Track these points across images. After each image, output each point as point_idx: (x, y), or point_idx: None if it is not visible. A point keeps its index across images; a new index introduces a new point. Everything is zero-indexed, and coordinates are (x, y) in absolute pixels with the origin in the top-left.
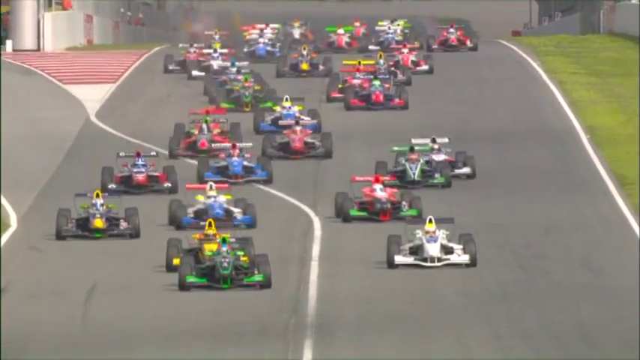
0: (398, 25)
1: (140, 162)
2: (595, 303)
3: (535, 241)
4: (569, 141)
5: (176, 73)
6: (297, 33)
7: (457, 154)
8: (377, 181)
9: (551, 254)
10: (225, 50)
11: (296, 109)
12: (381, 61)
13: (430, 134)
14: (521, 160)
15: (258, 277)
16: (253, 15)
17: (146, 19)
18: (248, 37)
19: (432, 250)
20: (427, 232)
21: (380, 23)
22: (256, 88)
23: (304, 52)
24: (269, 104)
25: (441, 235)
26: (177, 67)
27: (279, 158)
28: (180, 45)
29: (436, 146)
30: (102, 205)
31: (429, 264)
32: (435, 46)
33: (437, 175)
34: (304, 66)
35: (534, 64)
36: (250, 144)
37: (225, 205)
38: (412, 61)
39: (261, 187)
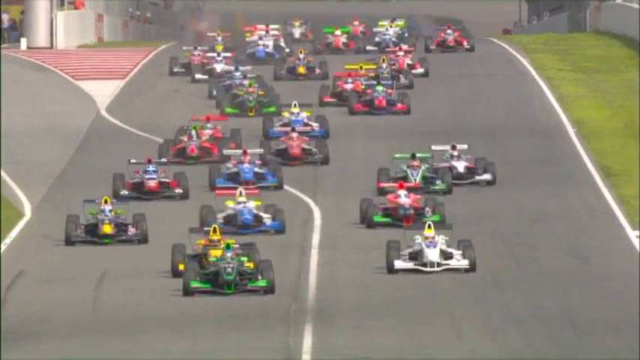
0: (398, 25)
1: (151, 168)
2: (582, 289)
3: (525, 230)
4: (557, 134)
5: (180, 75)
6: (297, 32)
7: (477, 161)
8: (401, 187)
9: (540, 242)
10: (228, 54)
11: (304, 114)
12: (384, 65)
13: (424, 129)
14: (511, 153)
15: (262, 283)
16: (256, 14)
17: (154, 17)
18: (248, 39)
19: (432, 255)
20: (426, 238)
21: (380, 23)
22: (260, 93)
23: (301, 56)
24: (273, 109)
25: (440, 240)
26: (181, 70)
27: (276, 164)
28: (185, 48)
29: (456, 153)
30: (110, 210)
31: (428, 269)
32: (432, 47)
33: (438, 182)
34: (301, 69)
35: (524, 61)
36: (261, 150)
37: (255, 211)
38: (408, 64)
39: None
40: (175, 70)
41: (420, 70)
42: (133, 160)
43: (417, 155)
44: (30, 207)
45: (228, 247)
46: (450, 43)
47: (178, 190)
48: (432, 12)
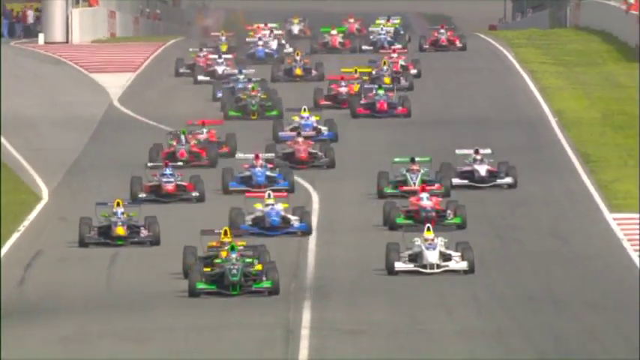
0: (394, 24)
1: (168, 172)
2: (562, 268)
3: (509, 213)
4: (540, 124)
5: (185, 76)
6: (296, 29)
7: (500, 165)
8: (423, 190)
9: (523, 225)
10: (229, 56)
11: (313, 119)
12: (385, 67)
13: (415, 120)
14: (496, 141)
15: (266, 284)
16: (257, 12)
17: (163, 14)
18: (248, 39)
19: (432, 257)
20: (426, 240)
21: (377, 22)
22: (262, 96)
23: (297, 58)
24: (275, 112)
25: (440, 242)
26: (187, 70)
27: (286, 167)
28: (191, 49)
29: (479, 157)
30: (122, 213)
31: (428, 270)
32: (426, 46)
33: (437, 185)
34: (298, 71)
35: (509, 55)
36: (272, 154)
37: (283, 213)
38: (401, 65)
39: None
40: (181, 70)
41: (414, 72)
42: (150, 164)
43: (417, 159)
44: (47, 191)
45: (232, 248)
46: (443, 43)
47: (195, 193)
48: (423, 9)
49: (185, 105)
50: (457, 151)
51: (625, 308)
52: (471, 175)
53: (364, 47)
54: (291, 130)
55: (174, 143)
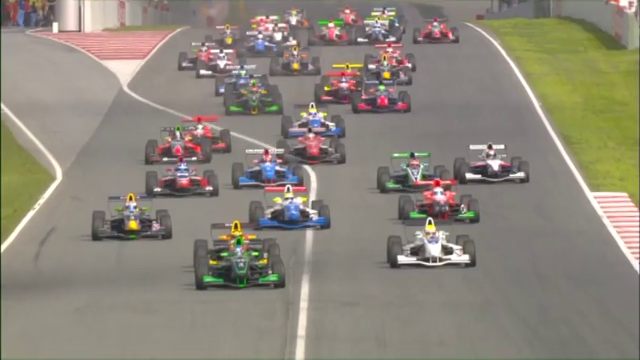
0: (389, 17)
1: (183, 167)
2: (546, 243)
3: (496, 192)
4: (524, 107)
5: (188, 70)
6: (293, 20)
7: (513, 159)
8: (437, 184)
9: (509, 202)
10: (230, 50)
11: (321, 115)
12: (385, 63)
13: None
14: (484, 123)
15: (272, 277)
16: (258, 3)
17: (170, 4)
18: (248, 32)
19: (434, 250)
20: (427, 234)
21: (373, 14)
22: (263, 92)
23: (295, 53)
24: (275, 108)
25: (441, 236)
26: (189, 64)
27: (298, 163)
28: (193, 44)
29: (492, 152)
30: (135, 207)
31: (430, 264)
32: (420, 39)
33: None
34: (295, 66)
35: (495, 43)
36: (282, 150)
37: (301, 207)
38: (396, 60)
39: (264, 144)
40: (184, 64)
41: (408, 65)
42: (165, 159)
43: (416, 154)
44: (61, 171)
45: (238, 242)
46: (437, 36)
47: (208, 188)
48: (416, 0)
49: (191, 91)
50: (471, 147)
51: (604, 281)
52: (484, 169)
53: (360, 40)
54: (300, 126)
55: (170, 139)
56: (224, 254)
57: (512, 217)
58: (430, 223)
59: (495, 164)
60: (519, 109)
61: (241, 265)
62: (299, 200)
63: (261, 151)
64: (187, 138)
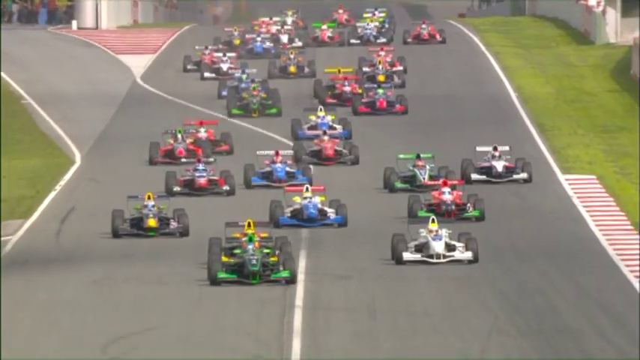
0: (379, 19)
1: (201, 167)
2: (521, 222)
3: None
4: (502, 98)
5: (192, 72)
6: (289, 20)
7: (517, 160)
8: (445, 184)
9: (488, 184)
10: (233, 54)
11: (329, 118)
12: (380, 67)
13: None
14: (465, 113)
15: (284, 274)
16: (260, 2)
17: (179, 3)
18: (247, 35)
19: (438, 247)
20: (431, 231)
21: (365, 15)
22: (263, 95)
23: (292, 57)
24: (274, 110)
25: (444, 233)
26: (194, 67)
27: (313, 164)
28: (197, 47)
29: (497, 153)
30: (153, 206)
31: (435, 260)
32: (409, 40)
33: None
34: (292, 69)
35: (475, 39)
36: (291, 151)
37: (320, 206)
38: (388, 63)
39: (262, 131)
40: (188, 67)
41: (400, 68)
42: (184, 160)
43: (422, 156)
44: (79, 156)
45: (250, 239)
46: (425, 37)
47: (226, 187)
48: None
49: (197, 84)
50: (477, 149)
51: (574, 255)
52: (489, 170)
53: (352, 41)
54: (309, 128)
55: (172, 141)
56: (237, 251)
57: (490, 197)
58: (433, 221)
59: (500, 165)
60: (497, 100)
61: (254, 261)
62: (317, 199)
63: (272, 152)
64: (189, 140)
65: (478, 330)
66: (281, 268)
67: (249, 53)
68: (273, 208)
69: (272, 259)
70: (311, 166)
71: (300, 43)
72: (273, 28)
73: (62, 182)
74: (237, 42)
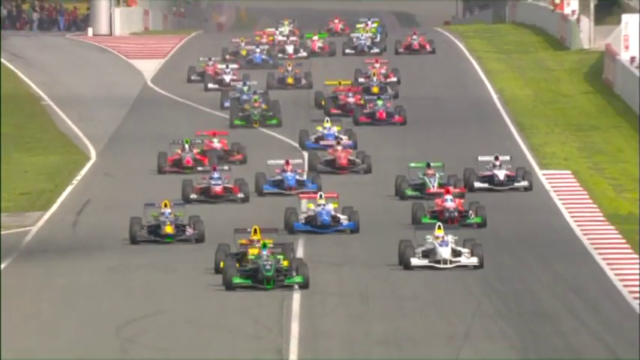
0: (372, 29)
1: (216, 175)
2: (502, 212)
3: (459, 168)
4: (485, 99)
5: (196, 83)
6: (286, 30)
7: (517, 170)
8: (447, 192)
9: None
10: (235, 66)
11: (335, 129)
12: (374, 79)
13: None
14: (450, 113)
15: (297, 279)
16: (259, 10)
17: (186, 12)
18: (246, 46)
19: (445, 253)
20: (437, 238)
21: (358, 26)
22: (264, 107)
23: (289, 69)
24: (274, 121)
25: (451, 239)
26: (197, 78)
27: (327, 173)
28: (201, 59)
29: (498, 162)
30: (170, 213)
31: (442, 265)
32: (401, 50)
33: (452, 188)
34: (289, 80)
35: (460, 45)
36: (301, 160)
37: (333, 212)
38: (383, 74)
39: (264, 130)
40: (192, 78)
41: (394, 79)
42: (199, 168)
43: (432, 165)
44: (94, 152)
45: (264, 246)
46: (415, 47)
47: (240, 195)
48: (392, 8)
49: (201, 94)
50: (480, 158)
51: (551, 244)
52: (491, 179)
53: (347, 51)
54: (316, 139)
55: (180, 151)
56: (251, 257)
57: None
58: (439, 227)
59: (501, 174)
60: (480, 101)
61: (268, 267)
62: (330, 206)
63: (282, 161)
64: (196, 150)
65: (462, 313)
66: (294, 274)
67: (248, 64)
68: (288, 214)
69: (285, 263)
70: (320, 175)
71: (305, 54)
72: (278, 38)
73: (79, 177)
74: (244, 53)
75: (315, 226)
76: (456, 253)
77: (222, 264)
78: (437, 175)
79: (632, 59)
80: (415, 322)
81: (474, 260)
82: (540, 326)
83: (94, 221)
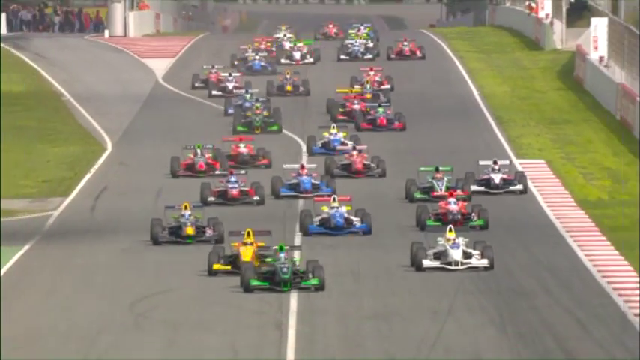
0: (364, 35)
1: (233, 179)
2: (482, 200)
3: (444, 160)
4: (466, 95)
5: (200, 89)
6: (282, 35)
7: (515, 174)
8: (451, 195)
9: (455, 168)
10: (237, 74)
11: (341, 135)
12: (368, 86)
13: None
14: (435, 108)
15: (313, 281)
16: (261, 14)
17: (194, 16)
18: (246, 54)
19: (456, 254)
20: (449, 240)
21: (351, 32)
22: (265, 114)
23: (288, 76)
24: (275, 127)
25: (461, 241)
26: (201, 85)
27: (343, 177)
28: (204, 66)
29: (496, 167)
30: (190, 215)
31: (453, 267)
32: (393, 56)
33: (458, 191)
34: (288, 87)
35: (444, 46)
36: (315, 165)
37: (346, 215)
38: (377, 81)
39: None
40: (196, 84)
41: (387, 86)
42: (217, 172)
43: (440, 169)
44: (110, 144)
45: (281, 249)
46: (407, 54)
47: (256, 198)
48: (381, 12)
49: (204, 100)
50: (480, 162)
51: (527, 228)
52: (487, 182)
53: (342, 57)
54: (322, 145)
55: (192, 156)
56: (268, 260)
57: (454, 179)
58: (451, 230)
59: (497, 178)
60: (462, 97)
61: (285, 269)
62: (344, 209)
63: (297, 166)
64: (208, 155)
65: (446, 290)
66: (310, 276)
67: (248, 70)
68: (303, 217)
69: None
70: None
71: (311, 60)
72: (287, 45)
73: (96, 166)
74: (250, 58)
75: (329, 228)
76: (466, 255)
77: (214, 266)
78: (445, 179)
79: (601, 59)
80: (404, 298)
81: (485, 262)
82: (517, 302)
83: (110, 206)
